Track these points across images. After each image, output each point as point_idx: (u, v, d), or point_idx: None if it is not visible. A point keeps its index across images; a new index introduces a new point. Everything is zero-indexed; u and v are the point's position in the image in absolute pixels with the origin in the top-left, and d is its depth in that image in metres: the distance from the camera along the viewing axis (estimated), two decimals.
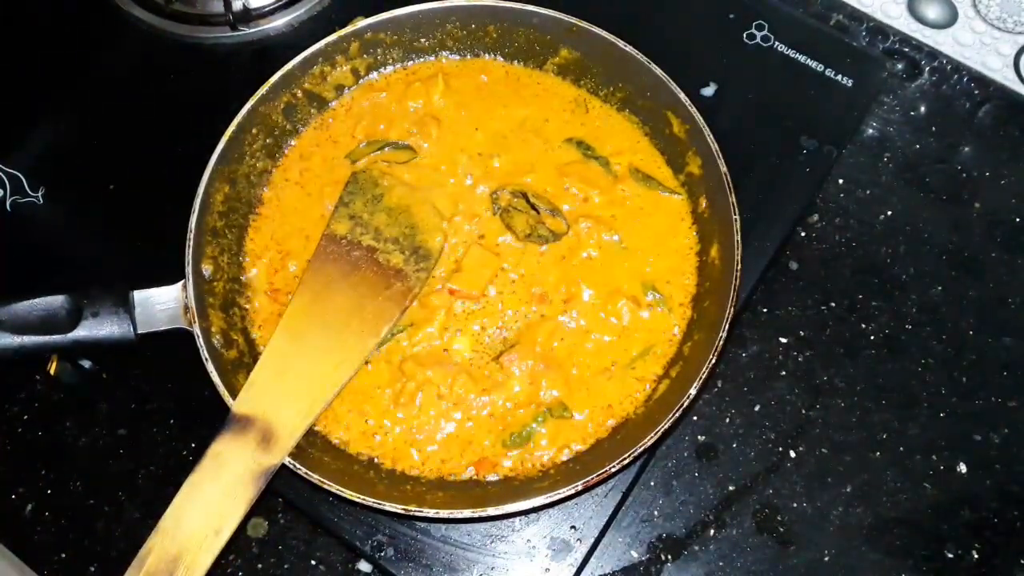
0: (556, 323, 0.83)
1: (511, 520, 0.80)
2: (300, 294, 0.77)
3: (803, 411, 0.86)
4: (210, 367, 0.75)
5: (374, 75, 0.94)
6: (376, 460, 0.79)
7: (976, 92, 1.03)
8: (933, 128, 1.00)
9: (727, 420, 0.86)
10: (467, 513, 0.71)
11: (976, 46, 1.01)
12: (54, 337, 0.77)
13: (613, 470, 0.72)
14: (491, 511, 0.71)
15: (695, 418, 0.85)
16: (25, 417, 0.86)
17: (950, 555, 0.81)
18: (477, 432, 0.79)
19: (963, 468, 0.85)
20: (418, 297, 0.81)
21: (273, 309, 0.84)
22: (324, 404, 0.74)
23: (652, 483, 0.83)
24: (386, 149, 0.90)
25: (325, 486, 0.71)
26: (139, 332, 0.78)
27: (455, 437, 0.79)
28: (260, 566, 0.80)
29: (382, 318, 0.76)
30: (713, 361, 0.75)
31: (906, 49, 1.05)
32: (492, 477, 0.78)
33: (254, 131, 0.87)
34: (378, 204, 0.83)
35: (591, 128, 0.92)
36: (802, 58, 0.99)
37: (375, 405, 0.80)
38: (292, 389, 0.72)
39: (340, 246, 0.77)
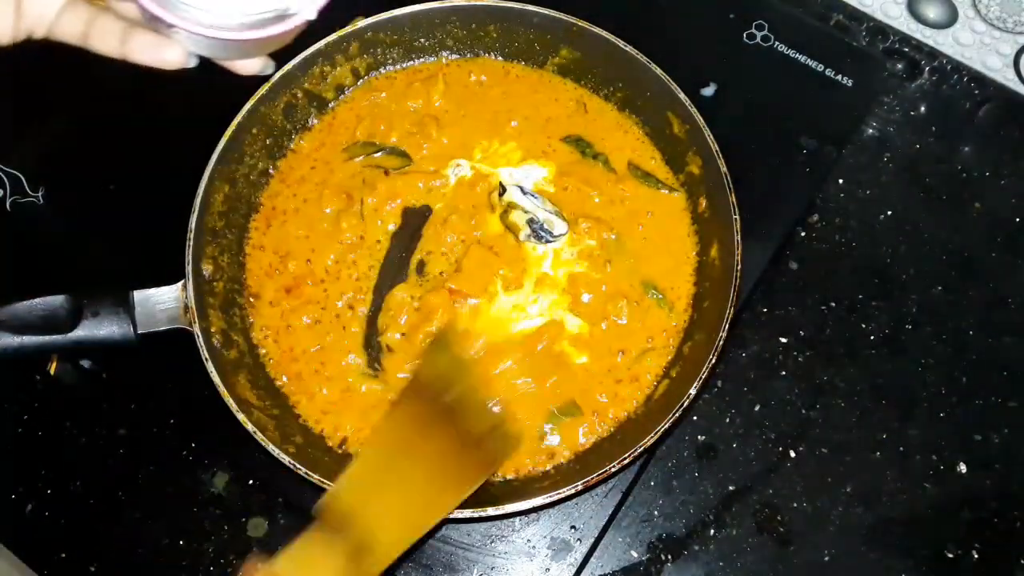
0: (557, 323, 0.83)
1: (511, 520, 0.80)
2: (388, 422, 0.69)
3: (803, 411, 0.86)
4: (210, 367, 0.75)
5: (374, 75, 0.94)
6: None
7: (976, 92, 1.03)
8: (933, 128, 1.00)
9: (727, 420, 0.86)
10: (467, 513, 0.71)
11: (976, 46, 1.01)
12: (54, 337, 0.77)
13: (613, 470, 0.72)
14: (491, 511, 0.71)
15: (695, 418, 0.85)
16: (25, 417, 0.86)
17: (950, 555, 0.81)
18: None
19: (963, 468, 0.85)
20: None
21: (275, 309, 0.84)
22: (421, 532, 0.65)
23: (652, 483, 0.83)
24: (379, 154, 0.90)
25: (325, 486, 0.71)
26: (139, 332, 0.78)
27: None
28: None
29: (463, 480, 0.68)
30: (713, 361, 0.75)
31: (906, 49, 1.05)
32: (492, 477, 0.78)
33: (254, 131, 0.87)
34: (462, 370, 0.75)
35: (591, 127, 0.92)
36: (802, 58, 0.99)
37: (378, 408, 0.80)
38: (392, 504, 0.63)
39: (428, 392, 0.69)
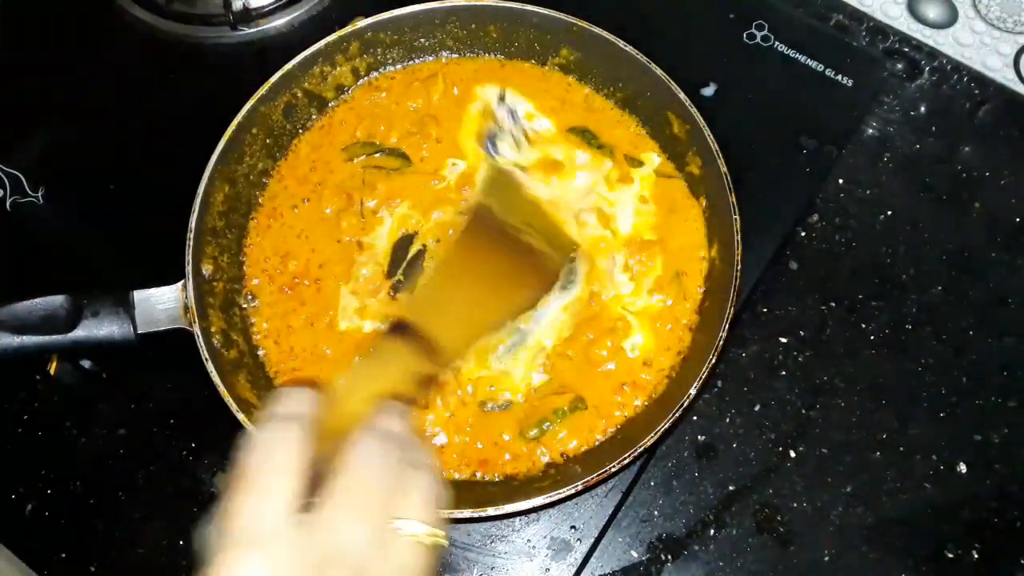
0: (563, 319, 0.83)
1: (511, 520, 0.80)
2: (459, 245, 0.74)
3: (803, 411, 0.86)
4: (210, 367, 0.75)
5: (374, 75, 0.94)
6: None
7: (976, 92, 1.03)
8: (933, 128, 1.00)
9: (727, 420, 0.86)
10: (467, 513, 0.71)
11: (976, 46, 1.01)
12: (54, 337, 0.77)
13: (613, 470, 0.72)
14: (491, 511, 0.71)
15: (695, 418, 0.85)
16: (25, 417, 0.86)
17: (950, 555, 0.81)
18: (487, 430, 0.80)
19: (963, 468, 0.85)
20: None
21: (275, 309, 0.84)
22: (484, 336, 0.74)
23: (652, 483, 0.83)
24: (378, 155, 0.90)
25: None
26: (139, 332, 0.78)
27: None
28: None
29: (531, 287, 0.76)
30: (713, 361, 0.75)
31: (906, 49, 1.05)
32: (492, 477, 0.78)
33: (254, 131, 0.87)
34: (517, 195, 0.84)
35: (595, 119, 0.93)
36: (802, 58, 0.99)
37: None
38: (454, 313, 0.67)
39: (492, 218, 0.75)
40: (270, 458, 0.48)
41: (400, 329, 0.62)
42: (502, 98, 0.91)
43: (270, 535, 0.46)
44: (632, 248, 0.86)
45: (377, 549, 0.48)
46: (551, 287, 0.81)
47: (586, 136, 0.91)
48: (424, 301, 0.69)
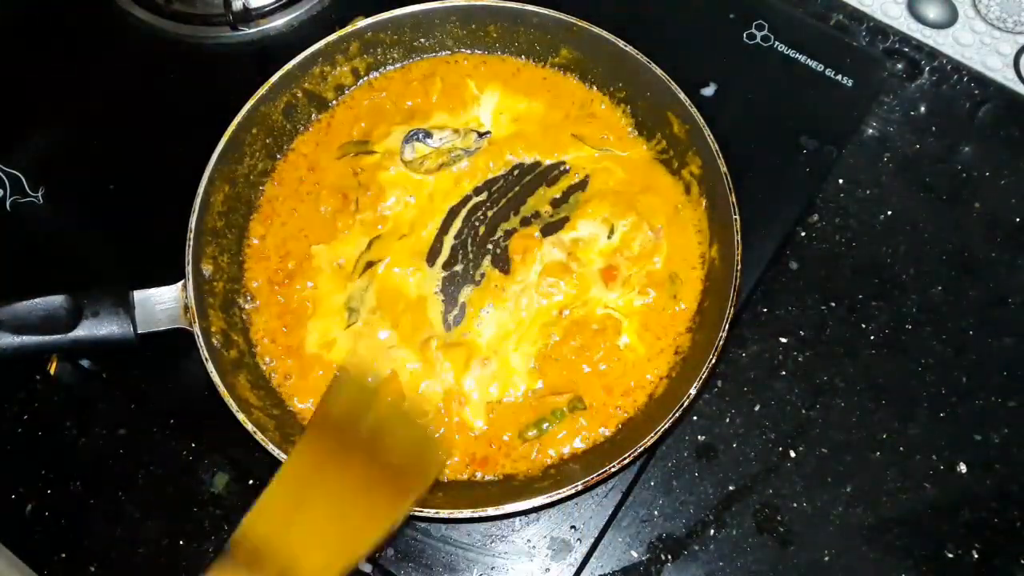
0: (568, 320, 0.84)
1: (511, 520, 0.80)
2: (298, 456, 0.64)
3: (803, 411, 0.86)
4: (210, 367, 0.75)
5: (374, 75, 0.94)
6: None
7: (976, 92, 1.03)
8: (933, 128, 1.00)
9: (727, 420, 0.86)
10: (467, 513, 0.71)
11: (976, 46, 1.01)
12: (54, 337, 0.77)
13: (613, 470, 0.72)
14: (491, 511, 0.71)
15: (695, 418, 0.85)
16: (25, 417, 0.86)
17: (950, 555, 0.81)
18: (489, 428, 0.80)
19: (963, 468, 0.85)
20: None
21: (274, 309, 0.84)
22: (353, 558, 0.60)
23: (652, 483, 0.83)
24: (370, 154, 0.90)
25: None
26: (139, 332, 0.78)
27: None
28: None
29: (390, 505, 0.64)
30: (713, 361, 0.75)
31: (906, 49, 1.05)
32: (492, 477, 0.78)
33: (254, 131, 0.87)
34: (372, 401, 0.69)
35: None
36: (802, 58, 0.99)
37: None
38: (314, 531, 0.58)
39: (338, 426, 0.65)
40: None
41: (234, 555, 0.54)
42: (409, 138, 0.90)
43: None
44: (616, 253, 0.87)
45: None
46: (406, 507, 0.65)
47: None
48: (273, 515, 0.58)
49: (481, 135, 0.91)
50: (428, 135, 0.90)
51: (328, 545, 0.58)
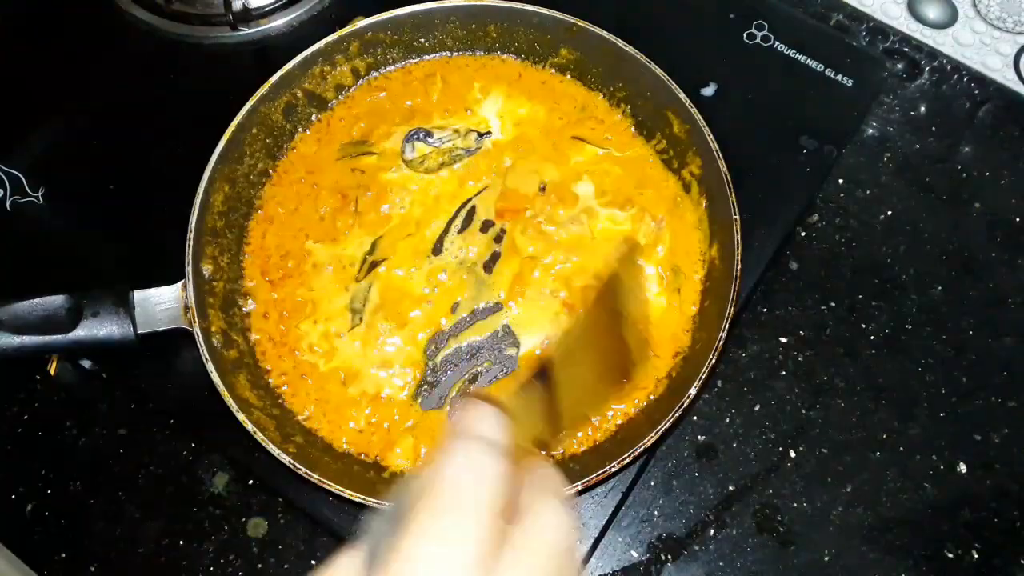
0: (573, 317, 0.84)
1: None
2: (593, 311, 0.69)
3: (803, 411, 0.86)
4: (210, 367, 0.75)
5: (374, 75, 0.94)
6: (377, 460, 0.79)
7: (976, 92, 1.03)
8: (933, 128, 1.00)
9: (727, 420, 0.86)
10: None
11: (976, 46, 1.01)
12: (54, 337, 0.77)
13: (613, 470, 0.72)
14: None
15: (695, 418, 0.85)
16: (25, 417, 0.86)
17: (950, 555, 0.81)
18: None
19: (963, 468, 0.85)
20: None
21: (274, 309, 0.84)
22: (587, 419, 0.71)
23: (652, 483, 0.83)
24: (370, 155, 0.90)
25: (325, 486, 0.71)
26: (139, 332, 0.78)
27: None
28: (260, 566, 0.80)
29: (620, 385, 0.70)
30: (713, 361, 0.75)
31: (906, 49, 1.05)
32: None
33: (254, 131, 0.87)
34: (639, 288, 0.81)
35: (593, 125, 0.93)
36: (802, 58, 0.99)
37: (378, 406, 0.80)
38: (576, 381, 0.63)
39: (619, 297, 0.70)
40: (470, 494, 0.39)
41: (542, 377, 0.57)
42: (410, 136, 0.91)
43: None
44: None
45: None
46: (624, 394, 0.79)
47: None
48: (563, 354, 0.62)
49: (482, 135, 0.91)
50: (429, 134, 0.90)
51: (582, 402, 0.63)
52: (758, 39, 1.00)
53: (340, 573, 0.39)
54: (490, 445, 0.41)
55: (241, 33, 1.03)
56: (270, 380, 0.82)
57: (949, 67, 1.04)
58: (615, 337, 0.67)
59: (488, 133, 0.91)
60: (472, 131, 0.91)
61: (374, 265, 0.86)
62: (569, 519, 0.42)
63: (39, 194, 0.95)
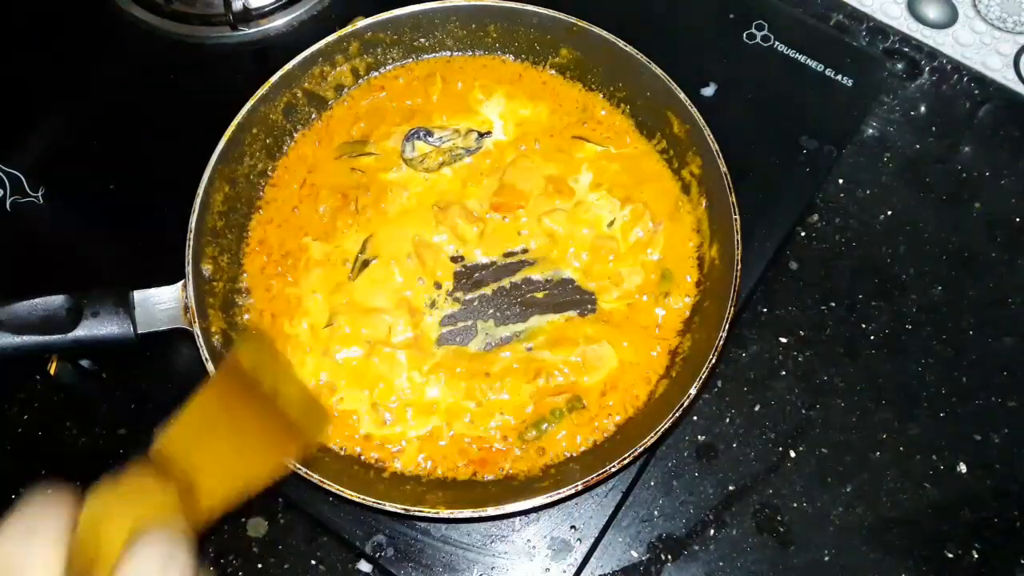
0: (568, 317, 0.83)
1: (511, 520, 0.80)
2: (212, 390, 0.70)
3: (803, 411, 0.86)
4: (210, 367, 0.75)
5: (374, 75, 0.94)
6: (376, 460, 0.79)
7: (976, 92, 1.03)
8: (933, 128, 1.00)
9: (727, 420, 0.86)
10: (467, 513, 0.71)
11: (976, 46, 1.01)
12: (54, 337, 0.77)
13: (613, 470, 0.72)
14: (491, 511, 0.71)
15: (695, 418, 0.85)
16: (25, 417, 0.86)
17: (950, 555, 0.81)
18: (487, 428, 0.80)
19: (963, 468, 0.85)
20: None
21: (273, 309, 0.84)
22: (238, 488, 0.64)
23: (652, 483, 0.83)
24: (368, 155, 0.90)
25: (325, 486, 0.71)
26: (139, 332, 0.78)
27: (458, 436, 0.79)
28: (260, 566, 0.80)
29: (278, 450, 0.69)
30: (713, 361, 0.75)
31: (906, 49, 1.05)
32: (492, 477, 0.78)
33: (254, 131, 0.87)
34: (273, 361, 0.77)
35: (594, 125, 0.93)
36: (802, 58, 0.99)
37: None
38: (212, 456, 0.65)
39: (243, 373, 0.71)
40: (28, 549, 0.41)
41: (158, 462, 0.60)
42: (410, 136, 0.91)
43: None
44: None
45: None
46: (306, 447, 0.73)
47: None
48: (182, 437, 0.65)
49: (482, 135, 0.91)
50: (429, 133, 0.90)
51: (223, 473, 0.64)
52: (758, 39, 1.00)
53: None
54: (49, 517, 0.43)
55: (241, 33, 1.03)
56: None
57: (949, 67, 1.04)
58: (255, 409, 0.67)
59: (488, 133, 0.91)
60: (473, 131, 0.91)
61: (366, 264, 0.86)
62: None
63: (39, 194, 0.95)
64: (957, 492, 0.84)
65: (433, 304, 0.85)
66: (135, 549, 0.44)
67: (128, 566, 0.43)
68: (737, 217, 0.80)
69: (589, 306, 0.85)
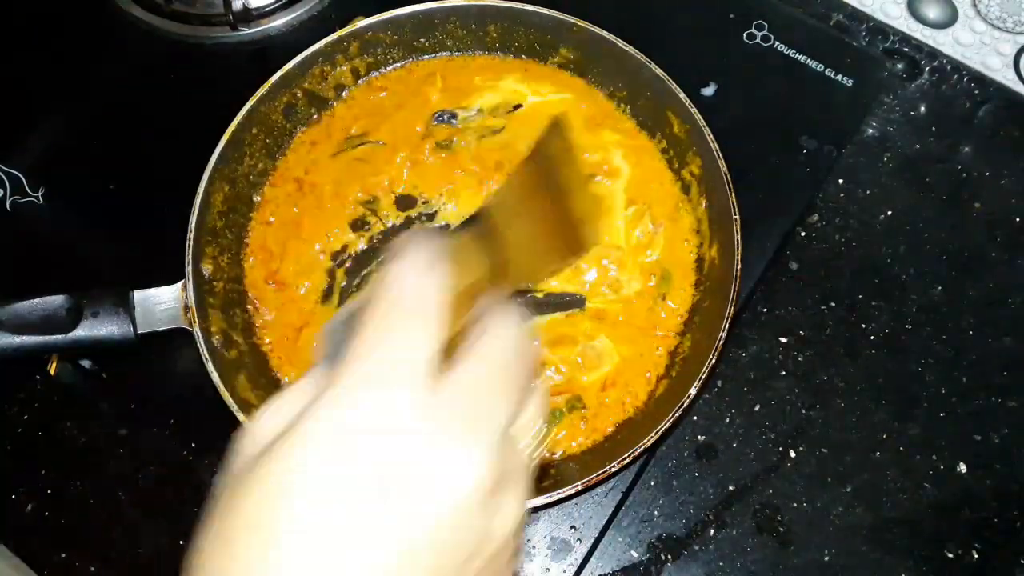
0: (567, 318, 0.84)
1: None
2: (518, 175, 0.68)
3: (803, 411, 0.86)
4: (210, 367, 0.75)
5: (374, 75, 0.94)
6: None
7: (976, 92, 1.03)
8: (933, 128, 1.00)
9: (727, 420, 0.86)
10: None
11: (976, 46, 1.01)
12: (54, 337, 0.77)
13: (613, 470, 0.72)
14: None
15: (695, 418, 0.85)
16: (25, 417, 0.86)
17: (950, 555, 0.81)
18: None
19: (963, 468, 0.85)
20: None
21: (273, 308, 0.84)
22: (541, 272, 0.70)
23: (652, 483, 0.83)
24: (361, 146, 0.90)
25: None
26: (139, 332, 0.78)
27: None
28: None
29: (562, 250, 0.70)
30: (713, 361, 0.75)
31: (906, 49, 1.05)
32: None
33: (254, 131, 0.87)
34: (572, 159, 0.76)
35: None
36: (802, 58, 0.99)
37: None
38: (519, 240, 0.63)
39: (549, 163, 0.70)
40: (421, 297, 0.39)
41: (477, 221, 0.57)
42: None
43: (408, 382, 0.37)
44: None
45: (506, 444, 0.40)
46: (574, 262, 0.79)
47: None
48: (499, 206, 0.61)
49: (514, 108, 0.91)
50: (453, 116, 0.90)
51: (526, 255, 0.62)
52: (758, 39, 1.00)
53: (303, 383, 0.41)
54: (439, 261, 0.41)
55: (241, 33, 1.03)
56: (270, 380, 0.82)
57: (949, 67, 1.04)
58: (553, 202, 0.67)
59: (520, 106, 0.91)
60: (498, 108, 0.91)
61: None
62: (521, 332, 0.43)
63: (39, 194, 0.95)
64: (957, 492, 0.84)
65: None
66: (497, 312, 0.43)
67: (497, 325, 0.42)
68: (737, 217, 0.80)
69: (589, 306, 0.85)
